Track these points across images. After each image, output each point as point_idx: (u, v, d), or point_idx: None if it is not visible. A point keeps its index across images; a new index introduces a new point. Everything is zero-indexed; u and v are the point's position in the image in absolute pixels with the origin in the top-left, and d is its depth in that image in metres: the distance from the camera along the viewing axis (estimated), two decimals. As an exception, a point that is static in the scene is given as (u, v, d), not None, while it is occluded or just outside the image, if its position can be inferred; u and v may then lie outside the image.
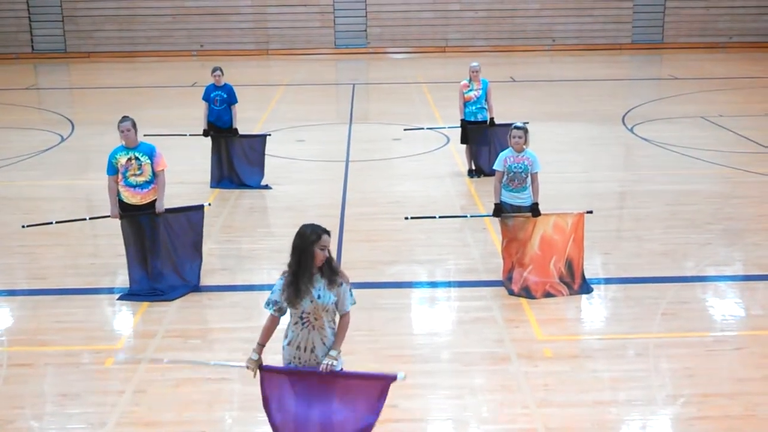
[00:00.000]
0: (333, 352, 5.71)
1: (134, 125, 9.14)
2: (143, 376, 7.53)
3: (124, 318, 8.90)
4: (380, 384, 5.75)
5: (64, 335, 8.44)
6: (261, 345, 5.80)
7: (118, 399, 7.16)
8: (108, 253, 10.66)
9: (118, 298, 9.28)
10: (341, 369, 5.80)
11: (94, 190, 13.51)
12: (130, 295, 9.30)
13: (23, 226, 10.27)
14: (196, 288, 9.50)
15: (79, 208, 12.36)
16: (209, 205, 9.90)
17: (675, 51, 32.10)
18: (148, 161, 9.12)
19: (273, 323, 5.79)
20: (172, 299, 9.20)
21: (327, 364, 5.66)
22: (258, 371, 5.79)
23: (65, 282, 9.88)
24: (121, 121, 9.11)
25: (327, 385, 5.74)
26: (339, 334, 5.79)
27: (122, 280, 9.75)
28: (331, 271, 5.64)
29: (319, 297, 5.59)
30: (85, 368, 7.77)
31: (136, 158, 9.08)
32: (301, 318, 5.62)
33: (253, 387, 7.15)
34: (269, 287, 9.50)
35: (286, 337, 5.79)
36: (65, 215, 11.72)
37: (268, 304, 5.74)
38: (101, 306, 9.19)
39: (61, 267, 10.32)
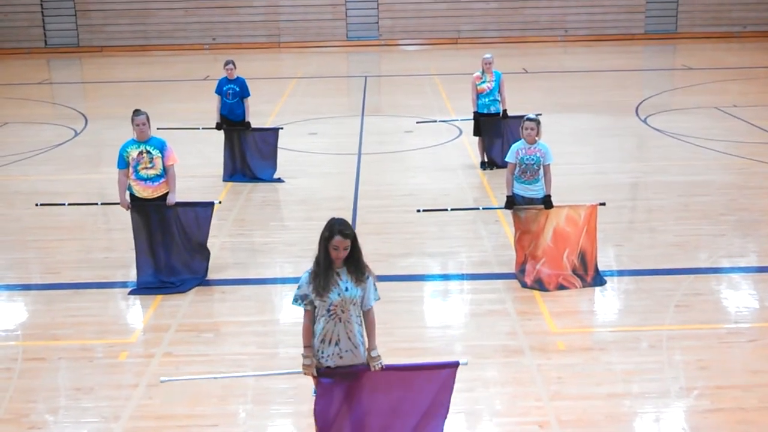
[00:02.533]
0: (374, 353, 5.76)
1: (148, 119, 9.18)
2: (156, 370, 7.55)
3: (138, 312, 8.93)
4: (443, 373, 5.83)
5: (78, 329, 8.48)
6: (308, 347, 5.71)
7: (131, 392, 7.19)
8: (122, 247, 10.68)
9: (130, 293, 9.31)
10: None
11: (108, 184, 13.52)
12: (141, 288, 9.33)
13: (37, 204, 10.71)
14: (203, 280, 9.52)
15: (92, 203, 12.38)
16: (219, 203, 9.91)
17: (688, 41, 31.92)
18: (159, 155, 9.14)
19: (310, 320, 5.70)
20: (185, 291, 9.24)
21: (375, 366, 5.73)
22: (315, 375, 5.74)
23: (79, 276, 9.91)
24: (135, 115, 9.13)
25: (386, 380, 5.78)
26: (370, 332, 5.79)
27: (136, 274, 9.78)
28: (356, 269, 5.60)
29: (347, 290, 5.57)
30: (99, 362, 7.80)
31: (148, 152, 9.11)
32: (329, 311, 5.59)
33: (265, 381, 7.21)
34: (282, 281, 9.66)
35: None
36: (80, 209, 11.76)
37: (296, 300, 5.68)
38: (115, 300, 9.22)
39: (75, 261, 10.36)
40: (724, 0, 32.47)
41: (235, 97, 13.42)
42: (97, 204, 10.66)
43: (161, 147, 9.18)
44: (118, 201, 9.46)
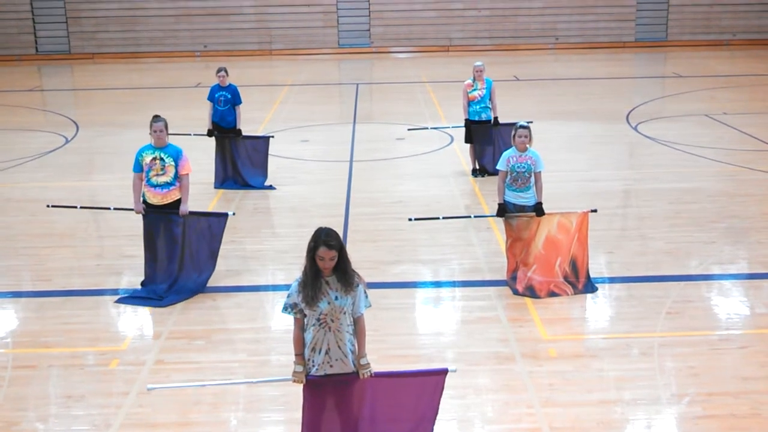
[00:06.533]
0: (363, 360, 5.74)
1: (166, 126, 9.20)
2: (148, 378, 7.53)
3: (129, 319, 8.90)
4: (432, 380, 5.83)
5: (69, 337, 8.45)
6: (299, 355, 5.70)
7: (122, 400, 7.17)
8: (113, 255, 10.68)
9: (116, 300, 9.26)
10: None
11: (99, 191, 13.54)
12: (128, 297, 9.29)
13: (48, 206, 10.63)
14: (192, 294, 9.41)
15: (85, 210, 12.32)
16: (233, 214, 9.85)
17: (678, 49, 32.06)
18: (173, 163, 9.13)
19: (300, 328, 5.68)
20: (164, 305, 9.09)
21: (364, 374, 5.71)
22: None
23: (70, 283, 9.88)
24: (154, 121, 9.17)
25: (375, 388, 5.78)
26: (360, 339, 5.76)
27: (127, 281, 9.78)
28: (345, 279, 5.55)
29: (336, 299, 5.54)
30: (90, 370, 7.77)
31: (161, 158, 9.11)
32: (318, 320, 5.57)
33: (257, 388, 7.20)
34: (274, 288, 9.65)
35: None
36: (71, 217, 11.72)
37: (285, 308, 5.66)
38: (106, 307, 9.18)
39: (66, 268, 10.33)
40: (713, 8, 32.62)
41: (227, 104, 13.42)
42: (109, 209, 10.55)
43: (176, 155, 9.18)
44: (130, 208, 9.47)
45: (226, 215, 9.60)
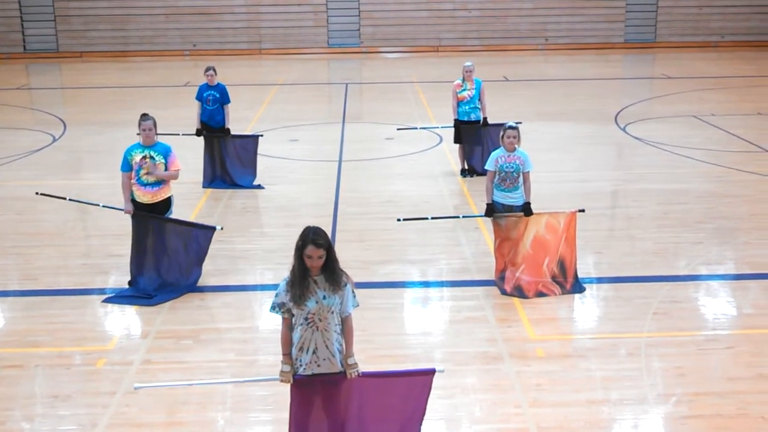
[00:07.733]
0: (351, 360, 5.74)
1: (155, 124, 9.24)
2: (134, 378, 7.50)
3: (116, 319, 8.87)
4: (420, 380, 5.84)
5: (56, 336, 8.41)
6: (287, 354, 5.70)
7: (109, 400, 7.14)
8: (99, 254, 10.64)
9: (104, 300, 9.23)
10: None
11: (87, 190, 13.47)
12: (117, 297, 9.26)
13: (37, 193, 10.70)
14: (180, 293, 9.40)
15: (72, 208, 12.29)
16: (221, 228, 9.85)
17: (667, 50, 32.15)
18: (163, 161, 9.17)
19: (288, 327, 5.68)
20: (153, 304, 9.08)
21: (351, 373, 5.71)
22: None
23: (57, 283, 9.84)
24: (142, 120, 9.21)
25: (362, 388, 5.78)
26: (348, 339, 5.76)
27: (114, 280, 9.75)
28: (333, 278, 5.55)
29: (324, 298, 5.54)
30: (77, 369, 7.74)
31: (151, 157, 9.14)
32: (306, 319, 5.56)
33: (244, 388, 7.19)
34: (262, 288, 9.63)
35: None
36: (58, 216, 11.68)
37: (273, 307, 5.66)
38: (93, 307, 9.15)
39: (53, 268, 10.28)
40: (702, 10, 32.74)
41: (216, 103, 13.40)
42: (98, 205, 10.54)
43: (165, 153, 9.22)
44: (120, 207, 9.47)
45: (213, 229, 9.55)
